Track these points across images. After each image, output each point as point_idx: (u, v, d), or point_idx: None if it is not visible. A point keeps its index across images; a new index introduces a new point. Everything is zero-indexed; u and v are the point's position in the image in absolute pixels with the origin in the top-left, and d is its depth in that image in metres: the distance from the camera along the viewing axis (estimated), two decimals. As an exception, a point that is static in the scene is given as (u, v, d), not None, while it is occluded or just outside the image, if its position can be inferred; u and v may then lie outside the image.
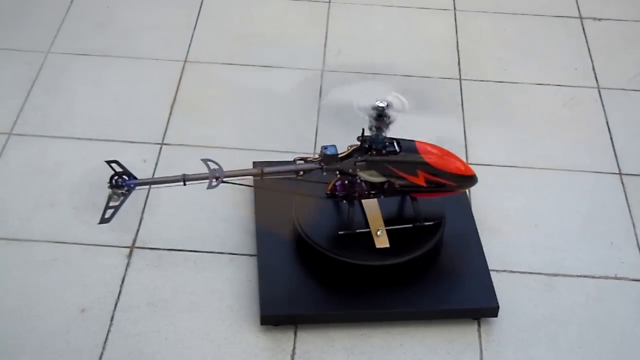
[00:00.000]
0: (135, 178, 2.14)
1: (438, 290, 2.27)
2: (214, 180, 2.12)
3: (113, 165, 2.13)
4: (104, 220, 2.11)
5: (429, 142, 2.25)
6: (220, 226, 2.46)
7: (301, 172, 2.18)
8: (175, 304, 2.27)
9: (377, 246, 2.26)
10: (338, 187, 2.25)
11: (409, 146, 2.20)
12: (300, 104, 2.84)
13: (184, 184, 2.14)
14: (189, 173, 2.14)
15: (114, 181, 2.12)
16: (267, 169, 2.17)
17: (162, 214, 2.48)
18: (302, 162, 2.19)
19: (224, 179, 2.14)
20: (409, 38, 3.16)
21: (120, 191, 2.12)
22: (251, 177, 2.22)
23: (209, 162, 2.14)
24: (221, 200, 2.51)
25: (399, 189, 2.24)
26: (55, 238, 2.40)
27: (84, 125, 2.73)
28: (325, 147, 2.17)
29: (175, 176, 2.15)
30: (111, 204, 2.12)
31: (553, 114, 2.87)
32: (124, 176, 2.13)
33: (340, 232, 2.28)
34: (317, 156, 2.20)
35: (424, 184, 2.21)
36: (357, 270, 2.24)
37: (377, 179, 2.20)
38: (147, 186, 2.21)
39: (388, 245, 2.26)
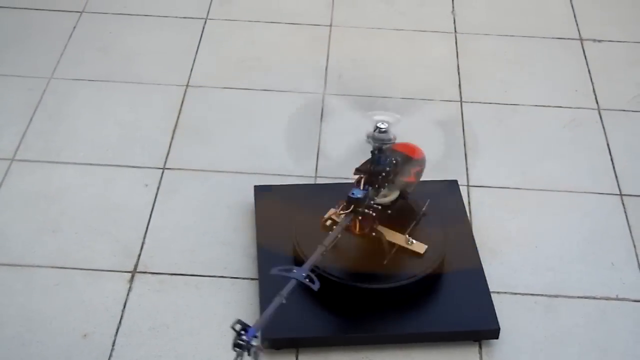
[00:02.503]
0: (248, 326, 1.85)
1: (439, 313, 2.27)
2: (307, 279, 2.01)
3: (236, 326, 1.84)
4: None
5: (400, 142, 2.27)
6: (221, 250, 2.46)
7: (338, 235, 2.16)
8: (177, 328, 2.27)
9: (419, 251, 2.28)
10: (364, 225, 2.22)
11: (397, 152, 2.24)
12: (301, 128, 2.85)
13: (284, 302, 1.97)
14: (282, 292, 1.98)
15: (239, 344, 1.82)
16: (326, 241, 2.11)
17: (164, 238, 2.49)
18: (329, 221, 2.20)
19: (310, 273, 2.03)
20: (410, 61, 3.18)
21: (246, 349, 1.83)
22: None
23: (282, 272, 2.03)
24: (222, 224, 2.52)
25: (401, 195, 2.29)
26: (58, 263, 2.41)
27: (86, 151, 2.74)
28: (352, 193, 2.15)
29: (275, 301, 1.95)
30: None
31: (554, 135, 2.88)
32: (242, 331, 1.84)
33: (384, 263, 2.26)
34: (341, 206, 2.18)
35: (415, 180, 2.27)
36: (354, 293, 2.24)
37: (391, 196, 2.25)
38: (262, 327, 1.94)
39: (426, 246, 2.28)
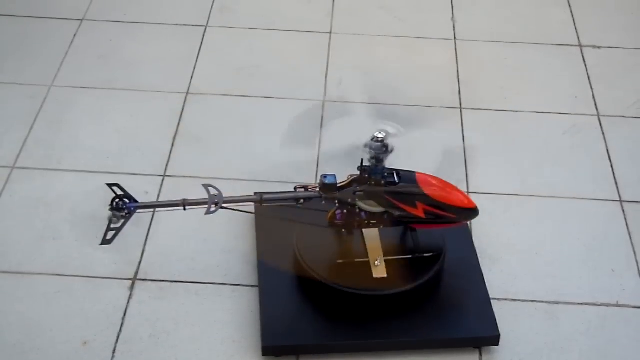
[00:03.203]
0: (136, 201, 2.18)
1: (439, 320, 2.27)
2: (213, 205, 2.15)
3: (114, 188, 2.17)
4: (105, 242, 2.14)
5: (430, 174, 2.25)
6: (222, 258, 2.47)
7: (301, 200, 2.20)
8: (178, 335, 2.27)
9: (375, 276, 2.26)
10: (338, 216, 2.25)
11: (408, 177, 2.20)
12: (301, 135, 2.85)
13: (184, 209, 2.17)
14: (190, 198, 2.17)
15: (114, 204, 2.16)
16: (266, 196, 2.20)
17: (164, 245, 2.49)
18: (302, 189, 2.21)
19: (223, 205, 2.16)
20: (410, 68, 3.18)
21: (120, 214, 2.16)
22: (252, 204, 2.26)
23: (209, 188, 2.17)
24: (223, 232, 2.52)
25: (399, 220, 2.24)
26: (58, 271, 2.41)
27: (86, 158, 2.74)
28: (324, 176, 2.19)
29: (176, 201, 2.18)
30: (113, 226, 2.16)
31: (553, 142, 2.88)
32: (125, 199, 2.17)
33: (338, 261, 2.28)
34: (318, 185, 2.21)
35: (422, 216, 2.22)
36: (354, 300, 2.24)
37: (376, 209, 2.21)
38: (148, 210, 2.25)
39: (385, 276, 2.26)
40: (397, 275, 2.26)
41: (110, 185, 2.17)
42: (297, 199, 2.20)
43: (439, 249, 2.32)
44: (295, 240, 2.34)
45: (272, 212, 2.34)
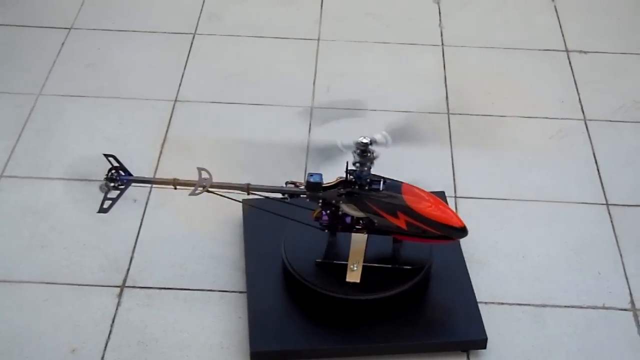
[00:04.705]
0: (130, 175, 2.24)
1: (427, 323, 2.27)
2: (200, 188, 2.21)
3: (110, 159, 2.22)
4: (102, 210, 2.21)
5: (422, 188, 2.25)
6: (210, 264, 2.47)
7: (286, 195, 2.23)
8: (166, 342, 2.28)
9: (347, 279, 2.26)
10: (324, 216, 2.26)
11: (394, 186, 2.20)
12: (289, 142, 2.86)
13: (175, 188, 2.24)
14: (180, 178, 2.24)
15: (110, 174, 2.22)
16: (253, 185, 2.23)
17: (153, 252, 2.50)
18: (292, 185, 2.23)
19: (210, 189, 2.22)
20: (398, 74, 3.19)
21: (111, 184, 2.22)
22: (239, 195, 2.30)
23: (202, 171, 2.22)
24: (211, 238, 2.53)
25: (381, 229, 2.24)
26: (46, 279, 2.42)
27: (74, 166, 2.75)
28: (310, 175, 2.20)
29: (167, 179, 2.25)
30: (109, 196, 2.21)
31: (540, 146, 2.89)
32: (120, 171, 2.22)
33: (317, 260, 2.29)
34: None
35: (404, 227, 2.21)
36: (336, 304, 2.26)
37: (358, 213, 2.22)
38: (141, 184, 2.31)
39: (358, 281, 2.26)
40: (371, 282, 2.26)
41: (107, 156, 2.22)
42: (282, 193, 2.23)
43: (421, 263, 2.32)
44: (284, 246, 2.34)
45: (258, 204, 2.38)
